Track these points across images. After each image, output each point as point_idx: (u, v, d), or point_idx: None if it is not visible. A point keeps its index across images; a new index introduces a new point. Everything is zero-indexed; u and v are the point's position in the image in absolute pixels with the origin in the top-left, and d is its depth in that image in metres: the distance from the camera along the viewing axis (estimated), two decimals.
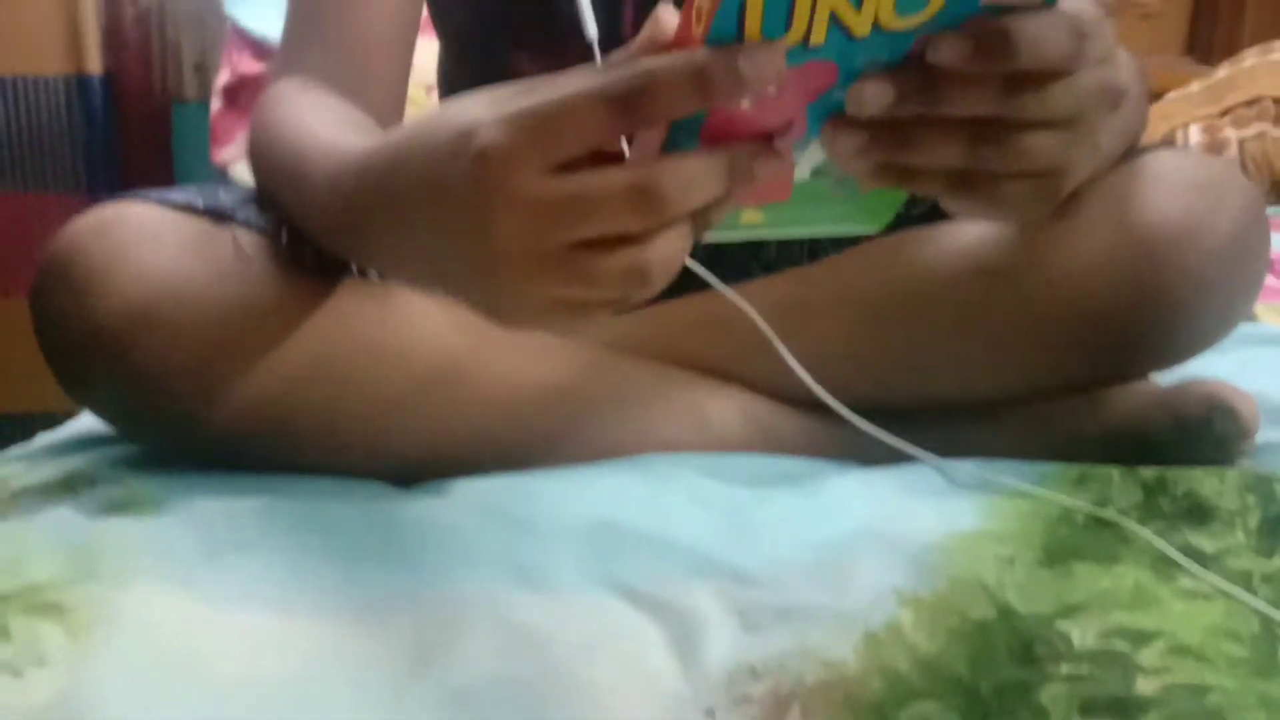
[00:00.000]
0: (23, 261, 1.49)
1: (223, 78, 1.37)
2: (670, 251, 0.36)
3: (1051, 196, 0.39)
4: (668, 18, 0.36)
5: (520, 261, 0.36)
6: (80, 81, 1.52)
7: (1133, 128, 0.61)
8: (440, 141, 0.38)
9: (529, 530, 0.53)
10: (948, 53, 0.35)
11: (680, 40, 0.36)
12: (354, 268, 0.60)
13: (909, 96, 0.36)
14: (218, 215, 0.56)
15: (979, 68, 0.36)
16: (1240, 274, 0.61)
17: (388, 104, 0.66)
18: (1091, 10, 0.37)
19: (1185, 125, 1.61)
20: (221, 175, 1.35)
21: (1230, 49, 1.75)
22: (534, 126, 0.35)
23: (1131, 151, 0.60)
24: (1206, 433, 0.61)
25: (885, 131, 0.37)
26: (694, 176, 0.35)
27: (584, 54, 0.69)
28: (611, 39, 0.72)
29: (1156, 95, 1.66)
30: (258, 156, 0.60)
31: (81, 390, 0.56)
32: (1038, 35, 0.35)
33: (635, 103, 0.34)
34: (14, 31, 1.48)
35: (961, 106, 0.37)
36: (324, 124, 0.55)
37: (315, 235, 0.53)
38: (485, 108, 0.37)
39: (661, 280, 0.37)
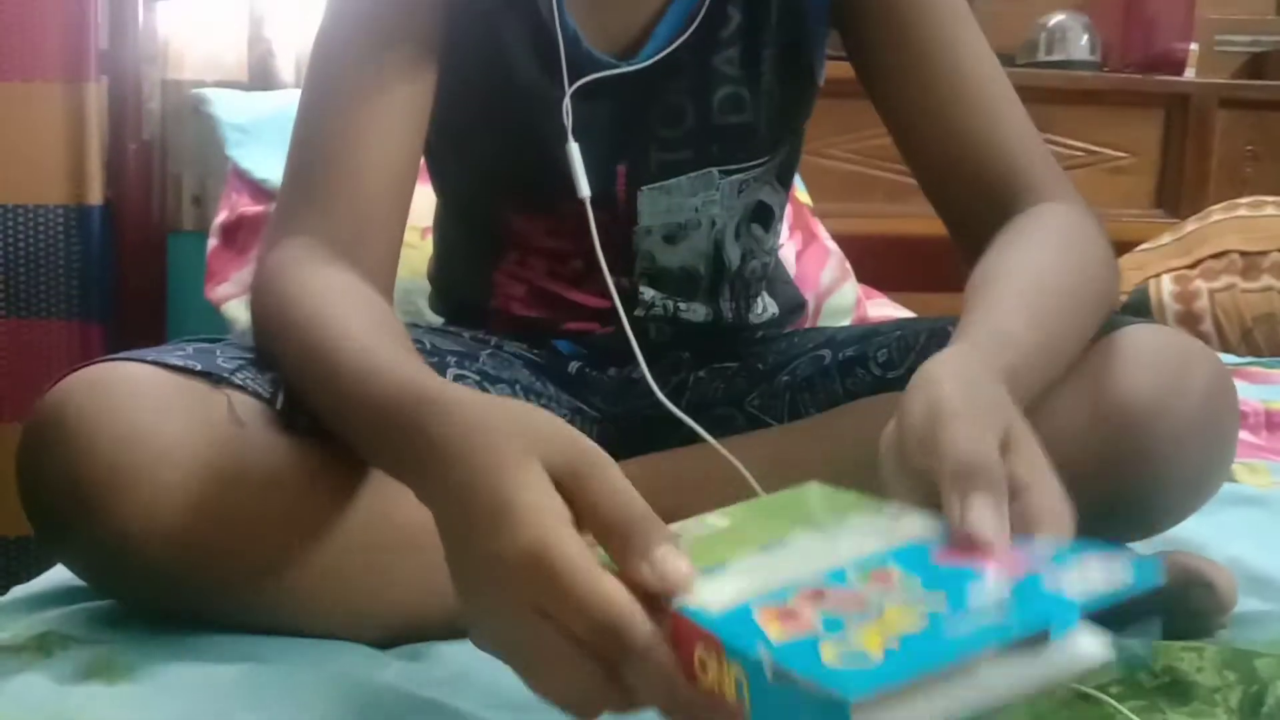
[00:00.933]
0: (16, 386, 1.49)
1: (221, 216, 1.40)
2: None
3: None
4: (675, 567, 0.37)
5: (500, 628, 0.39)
6: (80, 211, 1.55)
7: (1105, 299, 0.63)
8: (470, 501, 0.40)
9: (504, 704, 0.52)
10: None
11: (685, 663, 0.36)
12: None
13: None
14: (213, 378, 0.56)
15: None
16: (1210, 450, 0.62)
17: (385, 259, 0.68)
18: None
19: (1158, 275, 1.66)
20: (215, 311, 1.37)
21: (1197, 204, 1.82)
22: (573, 606, 0.36)
23: (1106, 325, 0.62)
24: (1183, 607, 0.61)
25: None
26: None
27: (576, 209, 0.71)
28: (605, 197, 0.74)
29: (1129, 245, 1.71)
30: (267, 326, 0.60)
31: (60, 548, 0.55)
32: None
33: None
34: (18, 160, 1.52)
35: None
36: (357, 319, 0.56)
37: (339, 428, 0.54)
38: (527, 493, 0.38)
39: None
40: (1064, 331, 0.57)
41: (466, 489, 0.40)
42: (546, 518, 0.38)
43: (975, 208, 0.69)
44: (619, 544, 0.38)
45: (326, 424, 0.55)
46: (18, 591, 0.64)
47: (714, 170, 0.75)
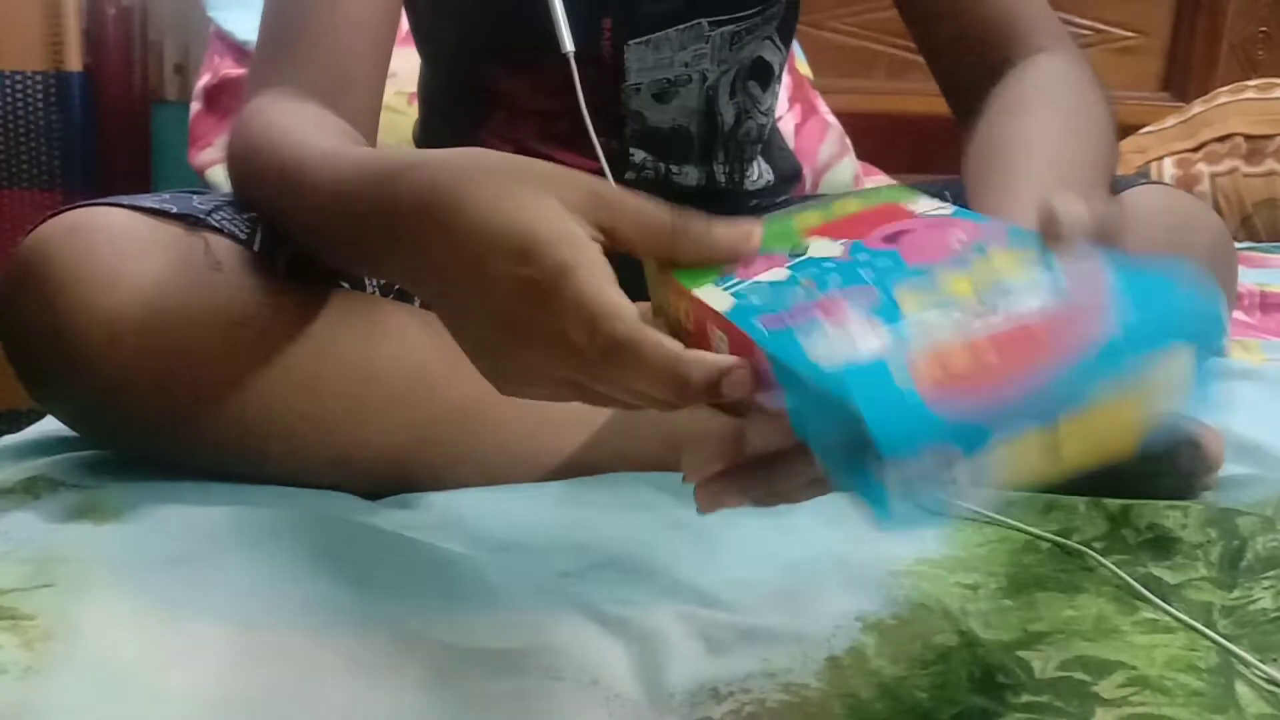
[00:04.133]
0: None
1: (203, 79, 1.36)
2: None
3: None
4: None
5: (534, 364, 0.38)
6: (59, 77, 1.51)
7: (1109, 164, 0.62)
8: (491, 228, 0.38)
9: (494, 547, 0.53)
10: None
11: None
12: (328, 273, 0.59)
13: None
14: (190, 220, 0.55)
15: None
16: None
17: (365, 116, 0.66)
18: None
19: (1159, 159, 1.64)
20: (199, 177, 1.34)
21: (1204, 87, 1.78)
22: (578, 310, 0.35)
23: (1109, 187, 0.61)
24: (1171, 466, 0.62)
25: None
26: (725, 383, 0.34)
27: (562, 67, 0.69)
28: (591, 53, 0.72)
29: (1132, 129, 1.68)
30: (242, 163, 0.59)
31: (46, 395, 0.55)
32: None
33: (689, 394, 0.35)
34: None
35: None
36: (323, 134, 0.54)
37: (317, 239, 0.52)
38: (555, 221, 0.37)
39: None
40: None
41: (488, 226, 0.37)
42: (571, 241, 0.36)
43: (967, 58, 0.67)
44: (669, 239, 0.37)
45: (307, 244, 0.54)
46: (7, 440, 0.64)
47: (703, 21, 0.73)
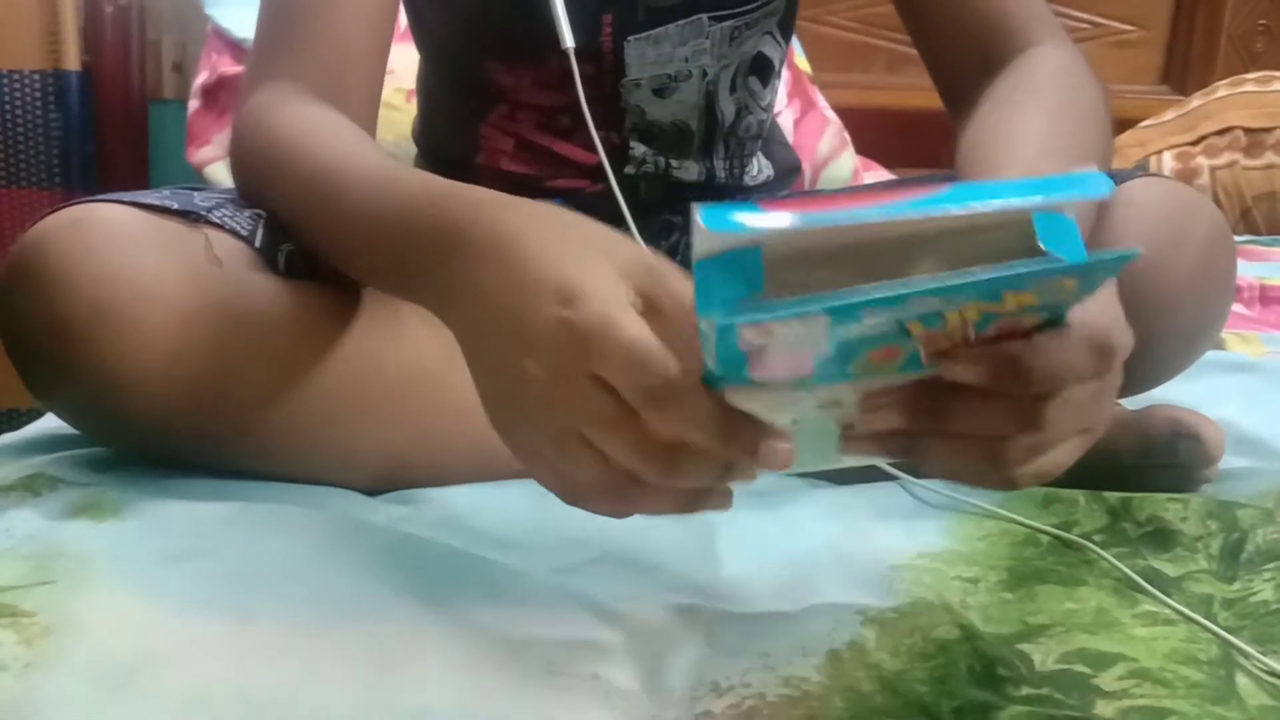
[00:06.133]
0: None
1: (201, 77, 1.36)
2: (645, 504, 0.39)
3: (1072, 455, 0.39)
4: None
5: (549, 411, 0.39)
6: (57, 77, 1.51)
7: (1104, 156, 0.61)
8: (546, 272, 0.39)
9: (495, 543, 0.53)
10: (962, 374, 0.35)
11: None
12: (328, 271, 0.59)
13: (920, 417, 0.37)
14: (192, 217, 0.55)
15: (995, 388, 0.36)
16: (1207, 302, 0.62)
17: (365, 110, 0.66)
18: (1110, 320, 0.36)
19: (1159, 152, 1.63)
20: (197, 175, 1.34)
21: (1203, 81, 1.77)
22: (626, 355, 0.36)
23: None
24: (1172, 458, 0.62)
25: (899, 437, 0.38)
26: (698, 468, 0.37)
27: (562, 62, 0.69)
28: (592, 48, 0.72)
29: (1131, 122, 1.68)
30: (253, 161, 0.59)
31: (45, 390, 0.55)
32: (1059, 360, 0.35)
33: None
34: None
35: (971, 426, 0.37)
36: (357, 143, 0.55)
37: (340, 249, 0.53)
38: (605, 279, 0.38)
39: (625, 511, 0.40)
40: None
41: (539, 271, 0.39)
42: (609, 293, 0.38)
43: (962, 52, 0.66)
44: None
45: (325, 255, 0.54)
46: (7, 438, 0.64)
47: (703, 17, 0.73)
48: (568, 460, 0.39)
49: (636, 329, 0.36)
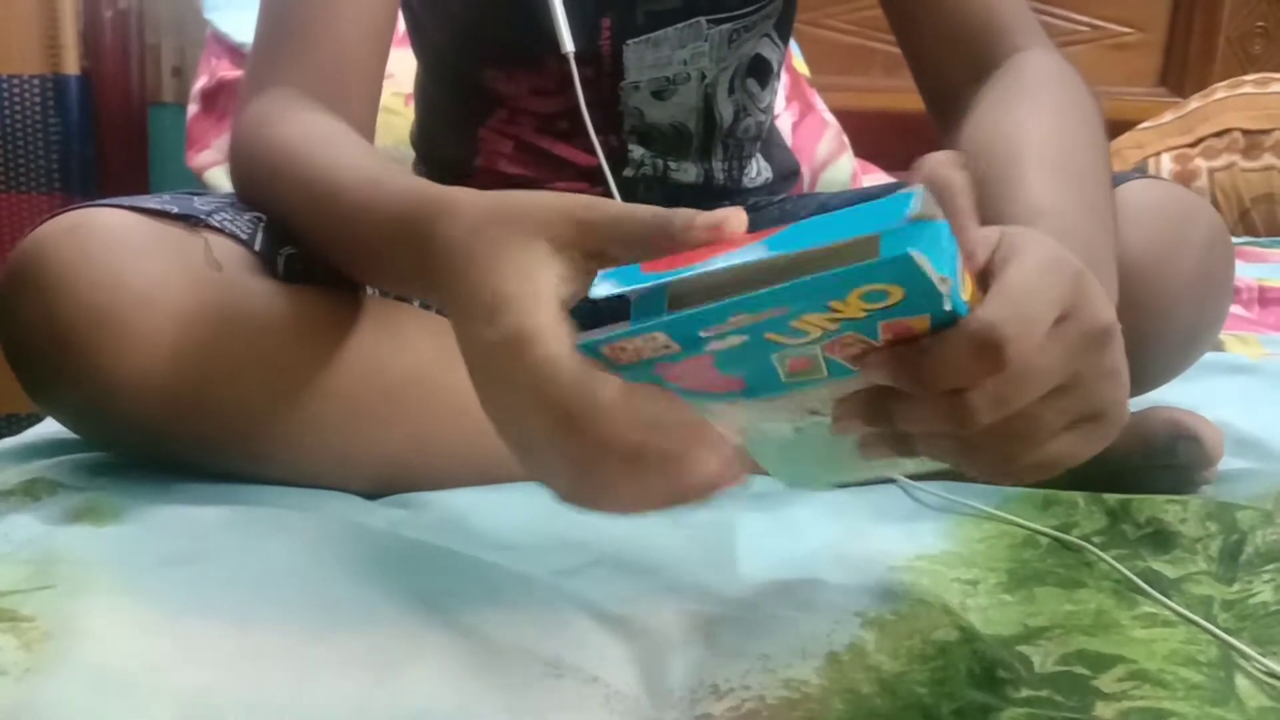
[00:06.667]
0: None
1: (201, 82, 1.36)
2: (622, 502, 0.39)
3: (1082, 449, 0.38)
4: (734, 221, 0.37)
5: (532, 429, 0.39)
6: (57, 81, 1.51)
7: (1106, 159, 0.61)
8: (472, 288, 0.40)
9: (494, 546, 0.53)
10: (872, 377, 0.36)
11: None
12: (327, 274, 0.59)
13: (878, 420, 0.37)
14: (191, 221, 0.55)
15: (905, 388, 0.36)
16: (1205, 304, 0.62)
17: (364, 116, 0.66)
18: (1009, 313, 0.35)
19: (1157, 154, 1.64)
20: (197, 179, 1.34)
21: (1202, 83, 1.78)
22: (536, 373, 0.37)
23: (1110, 181, 0.61)
24: (1171, 459, 0.62)
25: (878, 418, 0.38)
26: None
27: (560, 67, 0.69)
28: (591, 52, 0.72)
29: (1130, 124, 1.68)
30: (253, 167, 0.59)
31: (45, 395, 0.55)
32: (941, 360, 0.35)
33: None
34: None
35: (910, 424, 0.37)
36: (355, 150, 0.55)
37: (340, 255, 0.53)
38: (522, 279, 0.39)
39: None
40: (1102, 201, 0.53)
41: (472, 287, 0.40)
42: (526, 303, 0.38)
43: (949, 56, 0.66)
44: (656, 243, 0.38)
45: (323, 255, 0.54)
46: (7, 443, 0.64)
47: (702, 20, 0.73)
48: (544, 460, 0.39)
49: (543, 349, 0.37)
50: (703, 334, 0.36)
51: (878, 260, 0.33)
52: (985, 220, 0.46)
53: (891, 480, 0.61)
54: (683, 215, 0.37)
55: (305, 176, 0.54)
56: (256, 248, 0.56)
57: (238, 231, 0.56)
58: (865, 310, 0.35)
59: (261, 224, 0.58)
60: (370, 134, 0.66)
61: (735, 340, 0.36)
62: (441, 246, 0.42)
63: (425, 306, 0.69)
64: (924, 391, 0.36)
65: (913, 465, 0.42)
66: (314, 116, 0.59)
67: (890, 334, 0.36)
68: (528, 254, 0.39)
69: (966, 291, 0.36)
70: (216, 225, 0.56)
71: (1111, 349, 0.38)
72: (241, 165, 0.60)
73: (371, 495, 0.60)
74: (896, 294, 0.34)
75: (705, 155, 0.79)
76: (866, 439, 0.39)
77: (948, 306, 0.34)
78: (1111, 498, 0.59)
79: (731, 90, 0.78)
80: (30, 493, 0.54)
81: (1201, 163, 1.60)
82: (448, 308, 0.42)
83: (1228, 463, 0.66)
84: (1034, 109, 0.58)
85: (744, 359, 0.37)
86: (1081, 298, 0.37)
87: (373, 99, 0.67)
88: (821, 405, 0.39)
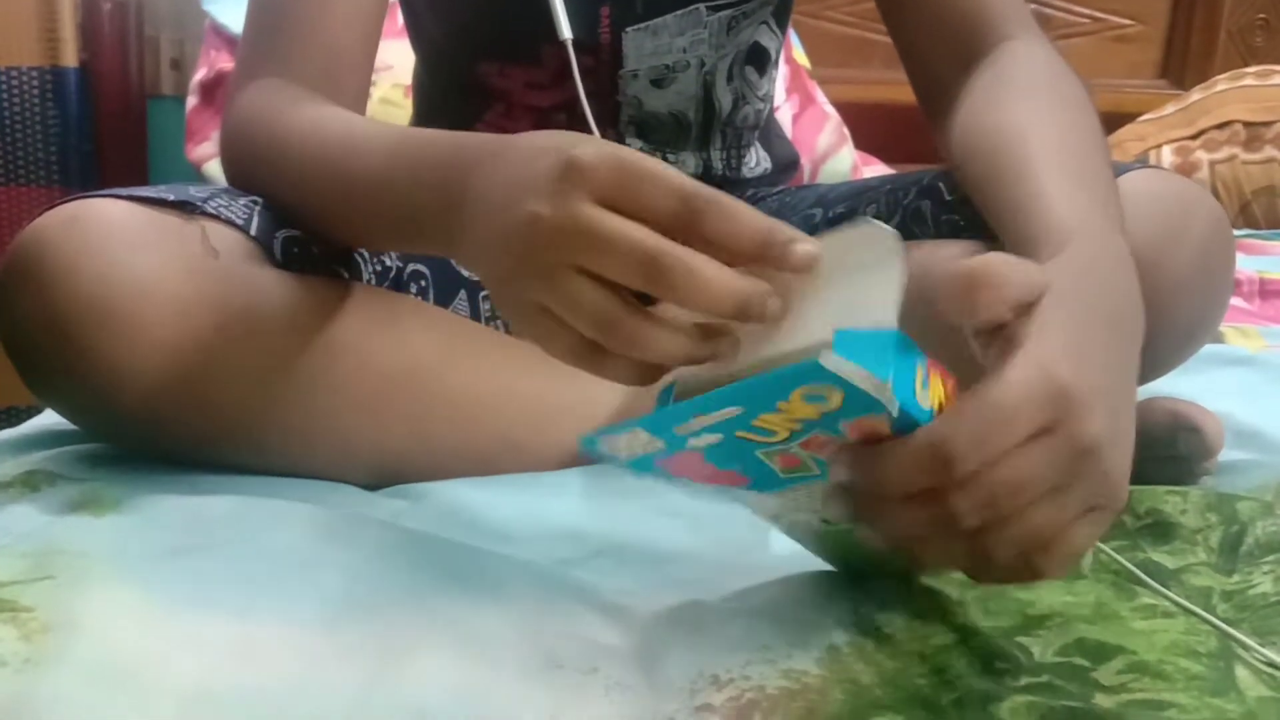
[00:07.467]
0: None
1: (199, 74, 1.36)
2: (649, 349, 0.39)
3: (1066, 556, 0.39)
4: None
5: (536, 253, 0.40)
6: (55, 73, 1.51)
7: (1106, 149, 0.61)
8: (539, 144, 0.42)
9: (495, 536, 0.53)
10: (837, 474, 0.38)
11: None
12: (325, 258, 0.59)
13: (861, 510, 0.38)
14: (188, 208, 0.55)
15: (871, 490, 0.37)
16: (1206, 296, 0.62)
17: (356, 102, 0.66)
18: (955, 431, 0.36)
19: (1158, 146, 1.63)
20: (195, 171, 1.34)
21: (1203, 75, 1.77)
22: (623, 168, 0.39)
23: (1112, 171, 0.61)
24: (1171, 450, 0.62)
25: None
26: (703, 280, 0.38)
27: (558, 58, 0.69)
28: (589, 40, 0.72)
29: (1131, 117, 1.68)
30: (250, 143, 0.59)
31: (43, 387, 0.55)
32: (894, 464, 0.36)
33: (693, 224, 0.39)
34: None
35: (902, 525, 0.38)
36: (349, 116, 0.57)
37: (356, 212, 0.54)
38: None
39: (625, 353, 0.40)
40: (1113, 199, 0.53)
41: (531, 141, 0.42)
42: (570, 137, 0.41)
43: (940, 47, 0.67)
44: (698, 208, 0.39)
45: (331, 228, 0.55)
46: (5, 435, 0.64)
47: (701, 7, 0.73)
48: (569, 294, 0.40)
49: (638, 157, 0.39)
50: (677, 431, 0.38)
51: (800, 365, 0.35)
52: (999, 227, 0.47)
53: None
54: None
55: (316, 144, 0.55)
56: (253, 232, 0.56)
57: (233, 217, 0.56)
58: (817, 411, 0.37)
59: (257, 208, 0.58)
60: None
61: (711, 438, 0.39)
62: (492, 146, 0.44)
63: (422, 294, 0.69)
64: (882, 491, 0.37)
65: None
66: (313, 101, 0.60)
67: (856, 433, 0.38)
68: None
69: (933, 396, 0.38)
70: (212, 211, 0.56)
71: (1099, 459, 0.38)
72: (237, 146, 0.60)
73: (371, 486, 0.59)
74: (835, 396, 0.36)
75: (704, 145, 0.79)
76: (867, 538, 0.40)
77: (894, 411, 0.36)
78: None
79: (730, 78, 0.78)
80: (29, 484, 0.54)
81: (1202, 155, 1.59)
82: (484, 190, 0.43)
83: (1228, 454, 0.66)
84: (1034, 105, 0.58)
85: (731, 455, 0.40)
86: (1067, 414, 0.37)
87: (363, 90, 0.67)
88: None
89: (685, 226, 0.39)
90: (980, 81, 0.61)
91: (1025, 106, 0.58)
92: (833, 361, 0.35)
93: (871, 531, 0.39)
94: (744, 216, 0.39)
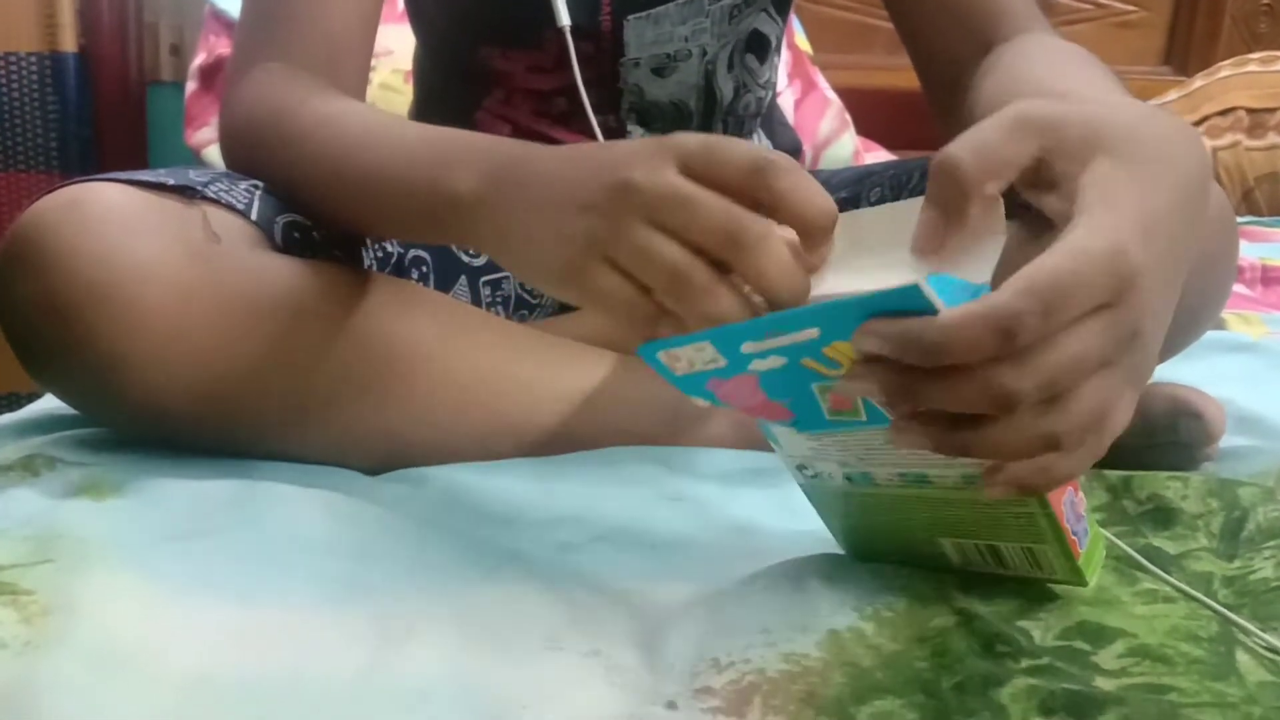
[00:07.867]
0: None
1: (199, 59, 1.36)
2: (714, 306, 0.40)
3: (1099, 441, 0.38)
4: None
5: (623, 212, 0.41)
6: (54, 59, 1.51)
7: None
8: (595, 153, 0.44)
9: (497, 521, 0.53)
10: (868, 345, 0.36)
11: None
12: (325, 243, 0.59)
13: (898, 396, 0.37)
14: (188, 192, 0.55)
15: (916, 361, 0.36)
16: (1208, 282, 0.62)
17: (356, 87, 0.66)
18: (1041, 301, 0.34)
19: None
20: (195, 157, 1.34)
21: (1206, 61, 1.77)
22: (709, 144, 0.41)
23: None
24: (1172, 436, 0.62)
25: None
26: (777, 254, 0.39)
27: (559, 44, 0.69)
28: (590, 28, 0.72)
29: None
30: (252, 130, 0.59)
31: (44, 371, 0.55)
32: (953, 331, 0.34)
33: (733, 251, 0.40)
34: None
35: (940, 401, 0.36)
36: (357, 104, 0.57)
37: (370, 191, 0.54)
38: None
39: (688, 309, 0.40)
40: None
41: (600, 150, 0.44)
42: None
43: (945, 39, 0.66)
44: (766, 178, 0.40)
45: (336, 215, 0.55)
46: (5, 419, 0.64)
47: None
48: (648, 247, 0.41)
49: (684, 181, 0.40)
50: (745, 349, 0.38)
51: (891, 290, 0.35)
52: None
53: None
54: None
55: (325, 134, 0.55)
56: (253, 217, 0.56)
57: (234, 201, 0.56)
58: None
59: (258, 192, 0.58)
60: None
61: (775, 361, 0.39)
62: (554, 155, 0.46)
63: (423, 279, 0.69)
64: (939, 360, 0.35)
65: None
66: (318, 87, 0.60)
67: None
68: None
69: None
70: (213, 196, 0.55)
71: (1145, 339, 0.37)
72: (240, 134, 0.60)
73: (372, 470, 0.59)
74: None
75: (705, 133, 0.78)
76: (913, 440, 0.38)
77: None
78: (1112, 474, 0.59)
79: (731, 66, 0.77)
80: (29, 468, 0.54)
81: (1206, 141, 1.59)
82: (532, 202, 0.44)
83: (1229, 440, 0.66)
84: (1053, 64, 0.57)
85: (787, 384, 0.40)
86: (1130, 293, 0.36)
87: (362, 76, 0.67)
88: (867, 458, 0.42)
89: (759, 204, 0.40)
90: (995, 62, 0.60)
91: (1045, 68, 0.57)
92: (930, 289, 0.34)
93: (917, 433, 0.38)
94: (819, 196, 0.40)
